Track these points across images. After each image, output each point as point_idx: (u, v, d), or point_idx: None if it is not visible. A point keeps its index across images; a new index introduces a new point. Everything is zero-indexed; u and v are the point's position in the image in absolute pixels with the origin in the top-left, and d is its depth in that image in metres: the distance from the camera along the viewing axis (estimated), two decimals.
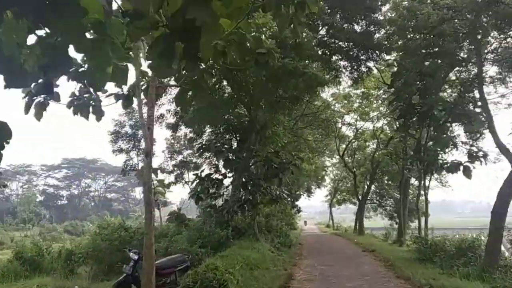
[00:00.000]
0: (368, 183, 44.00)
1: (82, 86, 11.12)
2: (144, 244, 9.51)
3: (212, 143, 21.12)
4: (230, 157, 20.12)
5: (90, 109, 9.18)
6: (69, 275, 17.83)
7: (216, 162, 23.66)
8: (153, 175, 10.18)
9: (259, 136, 23.23)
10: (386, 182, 43.99)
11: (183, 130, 30.58)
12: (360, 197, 44.91)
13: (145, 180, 9.71)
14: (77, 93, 10.78)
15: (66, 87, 8.98)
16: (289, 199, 55.72)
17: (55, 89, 8.61)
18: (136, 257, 10.40)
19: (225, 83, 21.91)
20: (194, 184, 20.58)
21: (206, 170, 26.19)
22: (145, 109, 10.13)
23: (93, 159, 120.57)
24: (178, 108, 23.11)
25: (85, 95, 10.96)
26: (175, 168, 42.36)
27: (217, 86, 20.65)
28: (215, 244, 18.00)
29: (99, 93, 9.53)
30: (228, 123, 23.36)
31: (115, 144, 41.87)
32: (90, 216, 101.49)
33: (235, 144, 24.25)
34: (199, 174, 20.38)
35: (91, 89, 10.98)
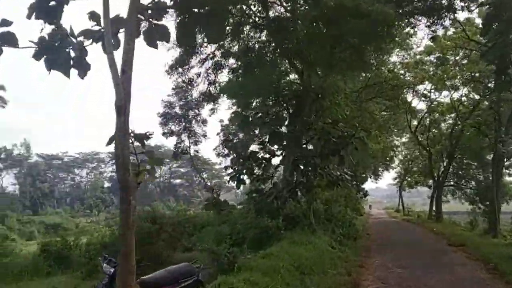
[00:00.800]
0: (445, 162, 38.26)
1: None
2: (121, 252, 6.07)
3: (254, 113, 17.27)
4: (278, 130, 16.17)
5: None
6: (94, 272, 14.98)
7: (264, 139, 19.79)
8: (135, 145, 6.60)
9: (314, 107, 19.15)
10: (466, 161, 38.07)
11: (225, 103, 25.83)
12: (436, 178, 39.25)
13: (117, 151, 6.14)
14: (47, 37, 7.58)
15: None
16: (353, 182, 51.13)
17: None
18: (111, 270, 6.99)
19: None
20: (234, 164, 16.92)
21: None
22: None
23: (156, 145, 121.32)
24: (210, 70, 19.46)
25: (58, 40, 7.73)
26: (231, 152, 38.79)
27: (258, 42, 16.71)
28: (260, 238, 14.37)
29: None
30: (277, 92, 19.40)
31: (165, 127, 39.61)
32: (155, 201, 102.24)
33: (286, 117, 20.33)
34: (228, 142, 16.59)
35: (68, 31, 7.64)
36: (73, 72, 7.21)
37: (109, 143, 6.31)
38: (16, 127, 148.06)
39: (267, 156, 17.16)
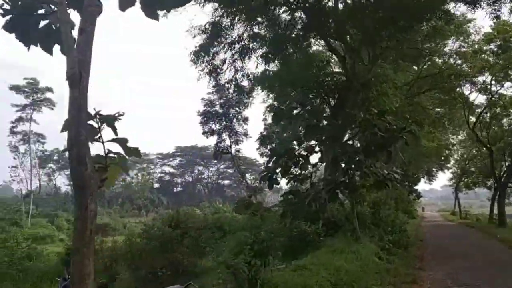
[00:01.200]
0: (509, 161, 34.60)
1: None
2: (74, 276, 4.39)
3: (288, 105, 15.39)
4: (315, 123, 14.19)
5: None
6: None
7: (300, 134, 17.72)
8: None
9: (360, 98, 17.03)
10: None
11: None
12: (498, 178, 35.58)
13: (70, 136, 4.49)
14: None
15: None
16: (405, 182, 47.97)
17: None
18: None
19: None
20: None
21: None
22: None
23: (203, 146, 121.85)
24: (237, 56, 17.69)
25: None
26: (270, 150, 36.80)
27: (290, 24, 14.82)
28: (295, 246, 12.55)
29: None
30: (317, 83, 17.42)
31: (205, 126, 38.45)
32: (203, 202, 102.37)
33: (328, 110, 18.36)
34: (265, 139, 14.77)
35: None
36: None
37: (63, 129, 4.71)
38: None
39: (305, 153, 15.20)
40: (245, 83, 20.69)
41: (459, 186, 55.87)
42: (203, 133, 37.59)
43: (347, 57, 16.22)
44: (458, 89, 31.75)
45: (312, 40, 17.19)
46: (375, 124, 13.68)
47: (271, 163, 14.73)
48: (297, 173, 15.32)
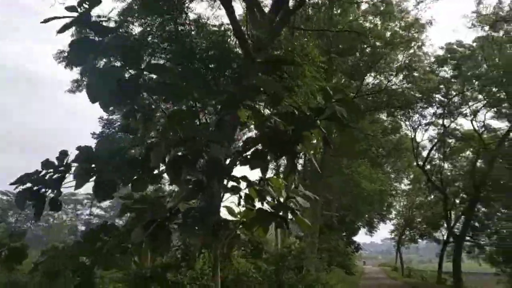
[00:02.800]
0: (464, 208, 28.27)
1: None
2: None
3: None
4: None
5: None
6: None
7: None
8: None
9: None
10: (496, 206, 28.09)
11: None
12: (449, 230, 29.03)
13: None
14: None
15: None
16: (342, 232, 40.82)
17: None
18: None
19: None
20: None
21: None
22: None
23: None
24: None
25: None
26: None
27: None
28: None
29: None
30: None
31: None
32: None
33: None
34: None
35: None
36: None
37: None
38: None
39: None
40: None
41: (401, 240, 49.43)
42: None
43: None
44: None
45: None
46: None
47: None
48: None
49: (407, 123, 27.40)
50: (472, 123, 25.36)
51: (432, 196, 34.93)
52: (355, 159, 24.24)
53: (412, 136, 27.58)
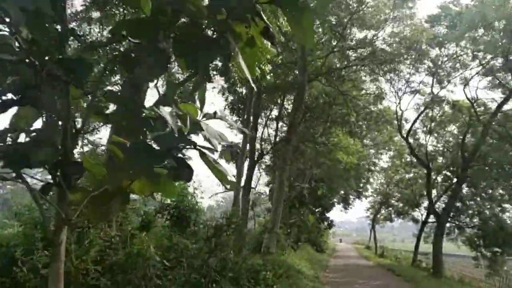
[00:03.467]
0: (451, 185, 25.47)
1: None
2: None
3: None
4: None
5: None
6: None
7: None
8: None
9: None
10: (483, 184, 25.33)
11: None
12: (430, 209, 26.31)
13: None
14: None
15: None
16: (316, 207, 38.10)
17: None
18: None
19: None
20: None
21: None
22: None
23: None
24: None
25: None
26: None
27: None
28: None
29: None
30: None
31: None
32: None
33: None
34: None
35: None
36: None
37: None
38: None
39: None
40: None
41: (376, 218, 47.13)
42: None
43: None
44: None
45: None
46: None
47: None
48: None
49: (392, 89, 24.24)
50: (464, 91, 22.36)
51: (412, 174, 32.27)
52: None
53: (397, 103, 24.54)
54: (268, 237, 16.00)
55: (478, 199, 27.59)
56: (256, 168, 24.93)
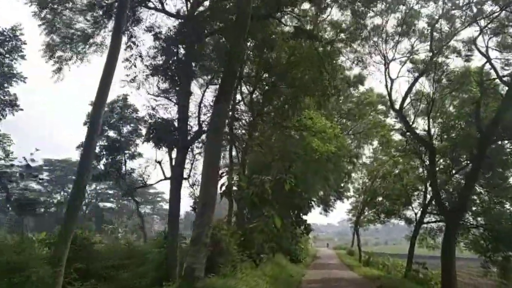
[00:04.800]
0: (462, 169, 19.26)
1: None
2: None
3: None
4: None
5: None
6: None
7: None
8: None
9: None
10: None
11: None
12: (440, 202, 19.90)
13: None
14: None
15: None
16: (292, 212, 31.48)
17: None
18: None
19: None
20: None
21: None
22: None
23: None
24: None
25: None
26: None
27: None
28: None
29: None
30: None
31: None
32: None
33: None
34: None
35: None
36: None
37: None
38: None
39: None
40: None
41: (360, 220, 40.87)
42: None
43: None
44: None
45: None
46: None
47: None
48: None
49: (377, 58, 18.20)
50: (475, 44, 16.32)
51: (401, 166, 26.06)
52: None
53: (385, 69, 18.43)
54: (193, 252, 9.48)
55: (484, 191, 21.59)
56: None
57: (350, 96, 29.48)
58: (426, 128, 19.71)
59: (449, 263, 15.95)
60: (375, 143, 28.77)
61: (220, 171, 18.44)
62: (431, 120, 18.02)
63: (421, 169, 23.43)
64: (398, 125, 24.08)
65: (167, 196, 67.40)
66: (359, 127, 29.68)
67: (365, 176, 38.72)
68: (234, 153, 24.02)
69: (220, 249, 13.57)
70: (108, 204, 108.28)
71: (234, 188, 18.67)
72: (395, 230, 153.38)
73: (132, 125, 23.57)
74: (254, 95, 23.94)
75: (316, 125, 21.57)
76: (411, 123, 19.50)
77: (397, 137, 25.38)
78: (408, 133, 19.42)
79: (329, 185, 35.98)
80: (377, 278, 21.10)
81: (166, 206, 52.07)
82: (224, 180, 18.29)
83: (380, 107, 28.19)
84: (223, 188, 18.14)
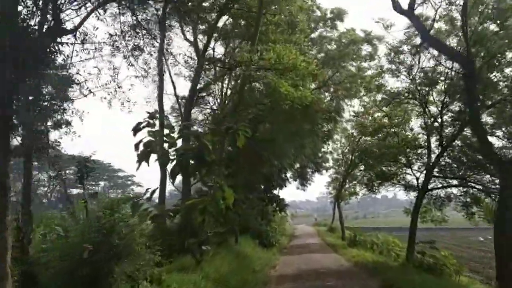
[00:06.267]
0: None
1: None
2: None
3: None
4: None
5: None
6: None
7: None
8: None
9: None
10: None
11: None
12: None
13: None
14: None
15: None
16: (261, 185, 24.40)
17: None
18: None
19: None
20: None
21: None
22: None
23: None
24: None
25: None
26: None
27: None
28: None
29: None
30: None
31: None
32: None
33: None
34: None
35: None
36: None
37: None
38: None
39: None
40: None
41: (341, 194, 34.63)
42: None
43: None
44: None
45: None
46: None
47: None
48: None
49: None
50: None
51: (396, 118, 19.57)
52: None
53: None
54: None
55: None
56: None
57: (326, 38, 22.95)
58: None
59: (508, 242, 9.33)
60: (362, 93, 22.28)
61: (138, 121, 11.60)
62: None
63: (424, 119, 17.07)
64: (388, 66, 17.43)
65: (137, 179, 59.29)
66: (339, 76, 23.11)
67: (347, 142, 32.53)
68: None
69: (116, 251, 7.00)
70: None
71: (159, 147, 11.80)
72: (373, 203, 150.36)
73: None
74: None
75: (283, 60, 14.76)
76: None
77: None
78: (424, 45, 12.64)
79: (305, 155, 29.57)
80: (373, 267, 14.85)
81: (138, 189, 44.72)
82: (144, 134, 11.43)
83: (365, 48, 21.76)
84: (141, 147, 11.31)
